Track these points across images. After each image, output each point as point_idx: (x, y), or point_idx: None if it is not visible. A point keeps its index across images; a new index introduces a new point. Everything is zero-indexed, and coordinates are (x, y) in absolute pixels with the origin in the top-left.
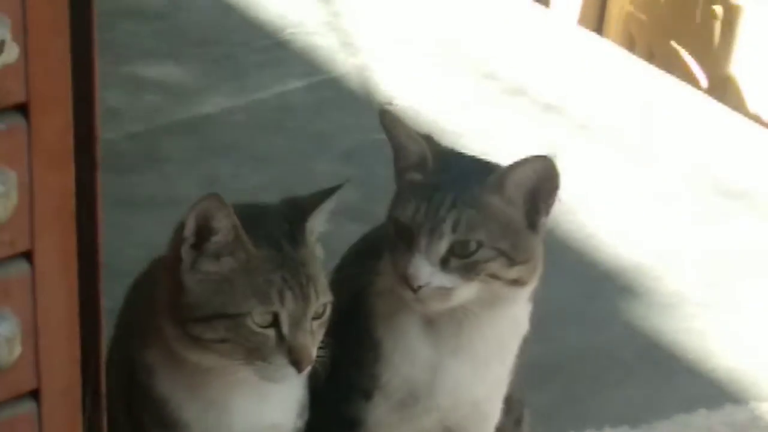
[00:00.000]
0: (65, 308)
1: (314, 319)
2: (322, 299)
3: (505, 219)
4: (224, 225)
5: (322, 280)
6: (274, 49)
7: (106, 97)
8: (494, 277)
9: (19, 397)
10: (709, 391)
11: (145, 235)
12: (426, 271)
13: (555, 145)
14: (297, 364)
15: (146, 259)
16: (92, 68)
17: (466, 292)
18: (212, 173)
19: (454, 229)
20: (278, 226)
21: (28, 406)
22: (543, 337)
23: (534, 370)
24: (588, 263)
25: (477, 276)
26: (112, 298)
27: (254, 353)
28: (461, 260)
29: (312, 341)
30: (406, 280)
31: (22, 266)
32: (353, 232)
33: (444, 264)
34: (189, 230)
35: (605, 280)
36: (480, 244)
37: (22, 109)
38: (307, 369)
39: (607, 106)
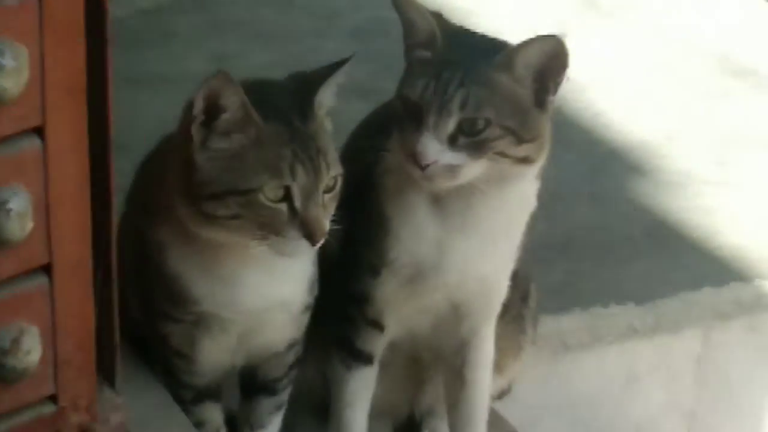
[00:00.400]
0: (76, 183)
1: (325, 192)
2: (333, 172)
3: (513, 97)
4: (233, 102)
5: (333, 153)
6: None
7: None
8: (502, 155)
9: (31, 271)
10: (715, 268)
11: (153, 112)
12: (434, 149)
13: (563, 22)
14: (310, 236)
15: (155, 135)
16: None
17: (474, 169)
18: (220, 50)
19: (462, 107)
20: (287, 101)
21: (40, 280)
22: (550, 214)
23: (541, 248)
24: (595, 141)
25: (485, 154)
26: (122, 175)
27: (267, 228)
28: (469, 138)
29: (324, 214)
30: (414, 158)
31: (34, 141)
32: (361, 109)
33: (452, 142)
34: (198, 108)
35: (613, 158)
36: (488, 122)
37: None
38: (321, 242)
39: None
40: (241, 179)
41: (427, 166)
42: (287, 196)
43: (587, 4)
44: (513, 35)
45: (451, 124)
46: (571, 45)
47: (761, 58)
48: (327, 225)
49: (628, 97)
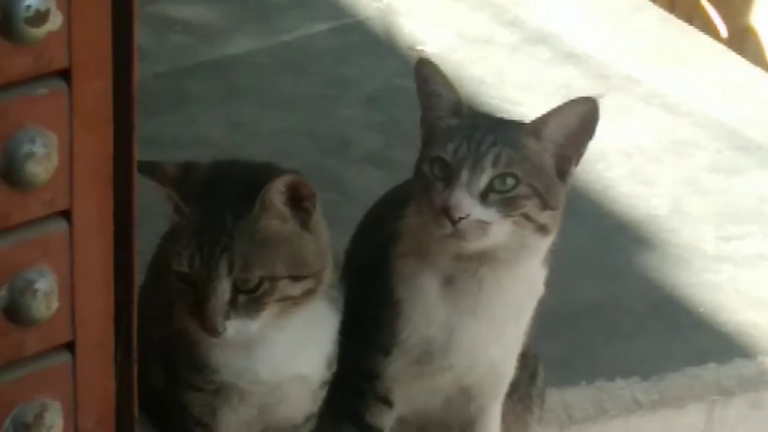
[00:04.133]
0: (101, 265)
1: (243, 292)
2: (246, 274)
3: (540, 162)
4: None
5: (260, 254)
6: None
7: None
8: (527, 217)
9: (55, 349)
10: (720, 344)
11: None
12: (467, 203)
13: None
14: (205, 330)
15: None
16: (131, 35)
17: (501, 230)
18: (236, 115)
19: (494, 164)
20: (237, 191)
21: (63, 358)
22: (557, 287)
23: (547, 320)
24: (603, 214)
25: (513, 213)
26: (139, 240)
27: (186, 309)
28: (500, 195)
29: (221, 311)
30: (446, 212)
31: (61, 225)
32: (376, 178)
33: (483, 198)
34: None
35: (620, 231)
36: (518, 180)
37: (64, 74)
38: (217, 338)
39: (625, 56)
40: (167, 254)
41: (460, 219)
42: (193, 284)
43: (598, 77)
44: (524, 107)
45: (483, 180)
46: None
47: None
48: (231, 325)
49: (637, 170)
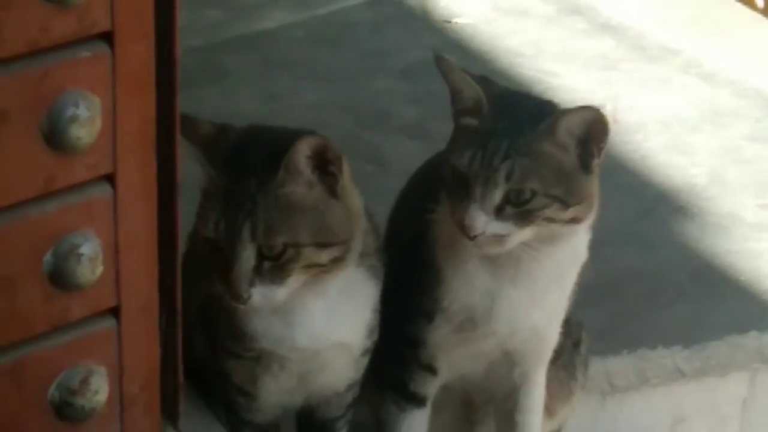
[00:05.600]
0: (145, 229)
1: (267, 258)
2: (269, 241)
3: (558, 165)
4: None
5: (283, 222)
6: None
7: None
8: (550, 220)
9: (100, 314)
10: (761, 312)
11: None
12: (481, 221)
13: (610, 65)
14: (230, 296)
15: None
16: None
17: (522, 236)
18: (272, 89)
19: (507, 179)
20: (265, 156)
21: (108, 323)
22: (597, 257)
23: (589, 291)
24: (642, 184)
25: (531, 222)
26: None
27: (216, 275)
28: (516, 208)
29: (245, 277)
30: (462, 229)
31: (105, 189)
32: (412, 150)
33: (499, 212)
34: None
35: (659, 200)
36: (534, 193)
37: (107, 37)
38: (245, 305)
39: (662, 26)
40: (198, 219)
41: (475, 237)
42: (219, 250)
43: (635, 46)
44: (561, 78)
45: (497, 196)
46: (619, 86)
47: None
48: (255, 291)
49: (675, 139)
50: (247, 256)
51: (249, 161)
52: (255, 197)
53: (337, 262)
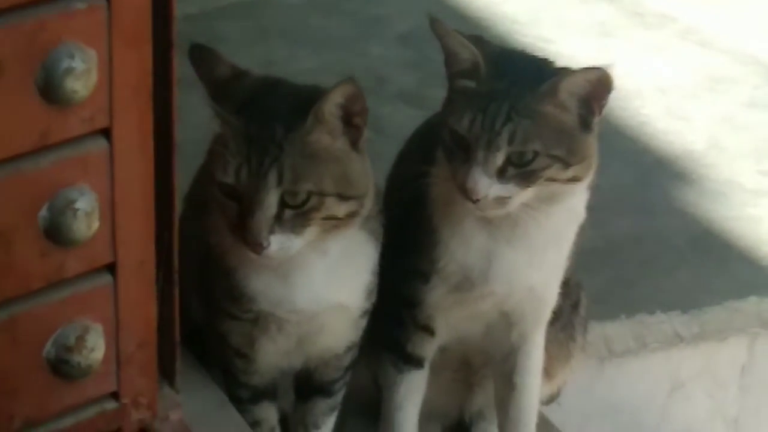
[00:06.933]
0: (141, 184)
1: (289, 207)
2: (295, 187)
3: (559, 125)
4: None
5: (308, 168)
6: None
7: None
8: (550, 180)
9: (96, 270)
10: (760, 277)
11: (202, 115)
12: (484, 183)
13: (608, 31)
14: (247, 245)
15: (204, 139)
16: None
17: (524, 197)
18: (268, 55)
19: (510, 141)
20: (286, 107)
21: (104, 279)
22: (596, 222)
23: (587, 255)
24: (641, 150)
25: (533, 183)
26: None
27: (228, 225)
28: (518, 169)
29: (266, 224)
30: (464, 193)
31: (101, 143)
32: (410, 116)
33: (501, 174)
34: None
35: (658, 166)
36: (536, 154)
37: None
38: (261, 253)
39: None
40: (212, 166)
41: (478, 200)
42: (238, 197)
43: (632, 13)
44: (558, 45)
45: (499, 158)
46: (616, 53)
47: None
48: (276, 240)
49: (673, 106)
50: (270, 202)
51: (272, 108)
52: (282, 143)
53: (351, 217)
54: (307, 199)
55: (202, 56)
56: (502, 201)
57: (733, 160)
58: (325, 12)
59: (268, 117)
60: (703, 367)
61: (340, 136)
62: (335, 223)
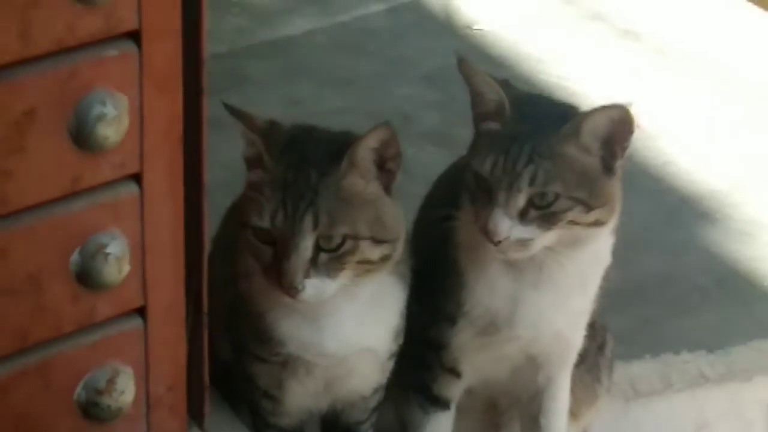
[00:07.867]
0: (171, 228)
1: (324, 250)
2: (330, 231)
3: (580, 167)
4: (251, 139)
5: (343, 213)
6: None
7: None
8: (573, 223)
9: (126, 314)
10: None
11: (230, 156)
12: (505, 225)
13: (633, 70)
14: (281, 287)
15: (232, 179)
16: None
17: (546, 240)
18: (295, 95)
19: (531, 183)
20: (320, 153)
21: (135, 322)
22: (621, 262)
23: (612, 295)
24: (666, 189)
25: (555, 225)
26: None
27: (261, 269)
28: (539, 211)
29: (302, 268)
30: (486, 235)
31: (132, 188)
32: (434, 156)
33: (522, 216)
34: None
35: (683, 206)
36: (557, 195)
37: (134, 36)
38: (295, 296)
39: (685, 32)
40: (246, 211)
41: (499, 242)
42: (272, 241)
43: (656, 51)
44: (583, 84)
45: (521, 200)
46: (641, 93)
47: None
48: (310, 284)
49: (697, 146)
50: (306, 246)
51: (307, 153)
52: (317, 188)
53: (384, 260)
54: (342, 243)
55: (237, 114)
56: (524, 244)
57: (758, 199)
58: (351, 52)
59: (303, 162)
60: (728, 407)
61: (374, 180)
62: (369, 266)
